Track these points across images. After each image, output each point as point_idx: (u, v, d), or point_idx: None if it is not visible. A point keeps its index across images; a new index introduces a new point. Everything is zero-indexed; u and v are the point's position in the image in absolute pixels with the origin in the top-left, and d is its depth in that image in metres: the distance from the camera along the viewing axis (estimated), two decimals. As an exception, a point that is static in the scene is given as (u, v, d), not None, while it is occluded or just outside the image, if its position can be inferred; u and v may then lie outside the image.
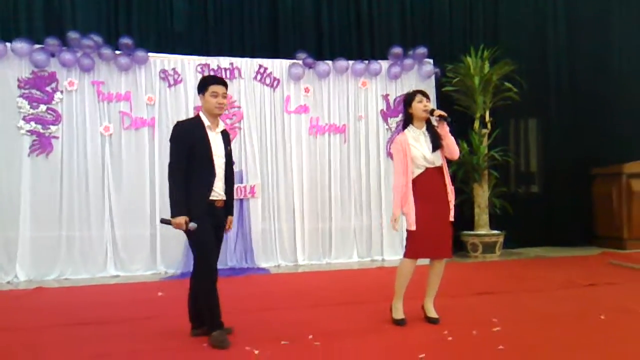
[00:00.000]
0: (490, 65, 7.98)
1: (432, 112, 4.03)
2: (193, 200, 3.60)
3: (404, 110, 4.15)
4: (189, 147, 3.58)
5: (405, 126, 4.15)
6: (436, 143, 4.01)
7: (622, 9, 9.17)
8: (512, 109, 8.26)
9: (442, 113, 4.02)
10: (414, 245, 3.95)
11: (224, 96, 3.73)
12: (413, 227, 3.92)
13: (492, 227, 8.00)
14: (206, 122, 3.71)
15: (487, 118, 8.07)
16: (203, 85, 3.73)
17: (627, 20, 9.06)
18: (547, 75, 8.93)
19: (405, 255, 4.03)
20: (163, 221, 3.63)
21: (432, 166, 3.99)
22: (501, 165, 8.22)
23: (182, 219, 3.53)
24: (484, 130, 8.03)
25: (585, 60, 8.99)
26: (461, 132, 7.97)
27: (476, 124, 8.03)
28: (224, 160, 3.78)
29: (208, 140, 3.66)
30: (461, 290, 5.26)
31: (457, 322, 3.99)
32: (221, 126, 3.82)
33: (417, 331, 3.84)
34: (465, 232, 7.98)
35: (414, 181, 3.99)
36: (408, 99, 4.11)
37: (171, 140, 3.69)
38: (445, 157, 4.10)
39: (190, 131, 3.66)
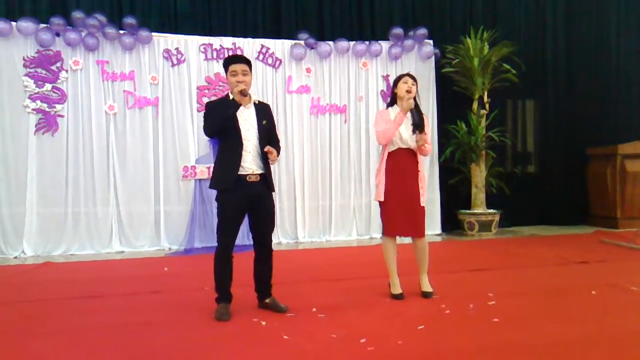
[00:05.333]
0: (490, 46, 7.99)
1: (420, 129, 4.04)
2: (222, 172, 3.70)
3: (392, 91, 4.26)
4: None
5: (390, 105, 4.26)
6: (419, 125, 4.06)
7: (621, -8, 9.19)
8: (510, 90, 8.30)
9: (424, 143, 4.05)
10: (387, 223, 4.13)
11: (244, 73, 3.72)
12: (381, 198, 4.09)
13: (488, 206, 8.11)
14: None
15: (486, 99, 8.13)
16: (225, 67, 3.81)
17: (625, 3, 9.07)
18: (545, 58, 8.95)
19: (383, 233, 4.24)
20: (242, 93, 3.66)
21: (405, 147, 4.08)
22: (498, 145, 8.31)
23: (236, 94, 3.62)
24: (482, 111, 8.08)
25: (583, 43, 9.02)
26: (460, 113, 8.12)
27: (474, 105, 8.09)
28: (256, 133, 3.77)
29: (234, 113, 3.69)
30: (458, 267, 5.42)
31: (454, 296, 4.15)
32: (254, 100, 3.83)
33: (415, 305, 3.98)
34: (463, 210, 8.11)
35: (388, 156, 4.12)
36: (395, 80, 4.23)
37: (204, 118, 3.81)
38: None
39: (216, 107, 3.74)
